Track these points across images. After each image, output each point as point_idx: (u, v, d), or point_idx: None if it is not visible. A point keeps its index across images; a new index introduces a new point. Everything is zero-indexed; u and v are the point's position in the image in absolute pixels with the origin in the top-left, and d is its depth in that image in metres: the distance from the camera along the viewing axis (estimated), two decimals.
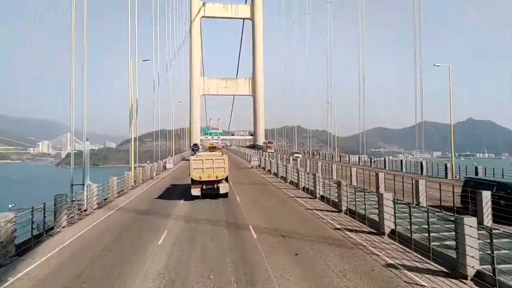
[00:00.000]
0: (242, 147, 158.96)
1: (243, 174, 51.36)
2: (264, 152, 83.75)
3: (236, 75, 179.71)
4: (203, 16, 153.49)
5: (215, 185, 28.14)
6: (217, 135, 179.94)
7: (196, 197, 28.08)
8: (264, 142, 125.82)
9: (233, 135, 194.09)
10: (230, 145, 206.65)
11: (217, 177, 28.06)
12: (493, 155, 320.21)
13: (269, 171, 52.48)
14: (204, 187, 28.08)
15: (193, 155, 39.08)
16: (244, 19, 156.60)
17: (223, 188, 28.32)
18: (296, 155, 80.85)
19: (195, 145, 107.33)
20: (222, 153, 31.62)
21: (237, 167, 60.96)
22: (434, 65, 46.50)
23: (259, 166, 62.18)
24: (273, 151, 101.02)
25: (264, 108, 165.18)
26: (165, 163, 60.36)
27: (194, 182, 28.16)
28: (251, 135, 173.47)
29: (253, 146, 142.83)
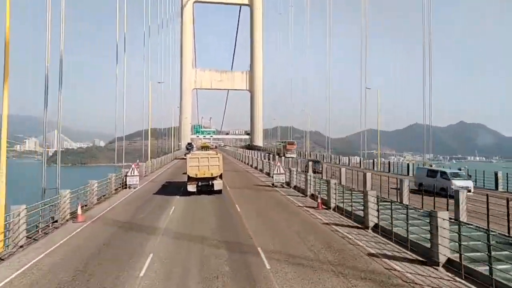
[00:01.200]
0: (238, 147, 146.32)
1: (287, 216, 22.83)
2: (278, 157, 62.32)
3: (231, 68, 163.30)
4: (195, 1, 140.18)
5: (210, 182, 29.93)
6: (209, 133, 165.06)
7: (192, 193, 29.70)
8: (280, 142, 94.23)
9: (227, 134, 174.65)
10: (224, 145, 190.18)
11: (212, 174, 29.76)
12: (484, 158, 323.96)
13: (314, 196, 28.32)
14: (199, 183, 29.82)
15: (187, 154, 40.50)
16: (241, 5, 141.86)
17: (217, 185, 30.08)
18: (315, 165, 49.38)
19: (190, 144, 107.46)
20: (217, 152, 32.88)
21: (250, 184, 38.11)
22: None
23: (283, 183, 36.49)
24: (294, 155, 78.63)
25: (263, 105, 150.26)
26: (126, 176, 35.23)
27: (190, 178, 29.74)
28: (248, 134, 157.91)
29: (250, 147, 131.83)
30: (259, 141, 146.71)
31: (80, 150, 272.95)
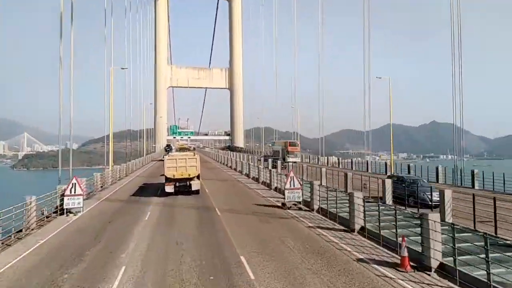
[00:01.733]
0: (218, 148, 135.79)
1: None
2: (281, 161, 56.09)
3: (209, 65, 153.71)
4: None
5: (188, 183, 29.91)
6: (187, 134, 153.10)
7: (170, 194, 29.51)
8: (275, 143, 77.53)
9: (206, 134, 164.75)
10: (203, 146, 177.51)
11: (189, 175, 29.85)
12: (456, 157, 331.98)
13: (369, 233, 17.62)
14: (177, 184, 29.79)
15: (166, 155, 39.53)
16: None
17: (195, 185, 30.05)
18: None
19: (168, 145, 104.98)
20: (194, 153, 32.75)
21: (249, 204, 26.82)
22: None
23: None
24: (298, 160, 63.16)
25: (243, 104, 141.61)
26: (63, 195, 23.51)
27: (168, 179, 29.68)
28: (228, 135, 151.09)
29: (231, 148, 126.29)
30: (240, 142, 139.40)
31: (51, 153, 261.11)
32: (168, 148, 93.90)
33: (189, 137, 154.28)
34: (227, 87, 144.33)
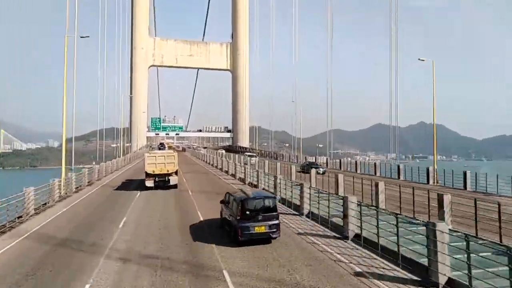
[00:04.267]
0: (216, 149, 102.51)
1: None
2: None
3: (203, 39, 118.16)
4: None
5: (166, 178, 32.37)
6: (174, 130, 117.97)
7: (150, 188, 31.64)
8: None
9: (200, 131, 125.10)
10: (196, 146, 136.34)
11: (168, 170, 32.35)
12: (445, 157, 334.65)
13: None
14: (157, 179, 32.16)
15: None
16: None
17: (173, 180, 32.64)
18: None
19: (162, 144, 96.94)
20: (173, 151, 37.73)
21: None
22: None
23: None
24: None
25: (249, 91, 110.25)
26: None
27: (148, 175, 32.10)
28: (229, 131, 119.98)
29: (231, 149, 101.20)
30: (244, 141, 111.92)
31: (29, 151, 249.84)
32: (161, 147, 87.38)
33: (177, 134, 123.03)
34: (228, 67, 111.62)
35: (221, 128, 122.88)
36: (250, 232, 15.18)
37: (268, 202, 15.76)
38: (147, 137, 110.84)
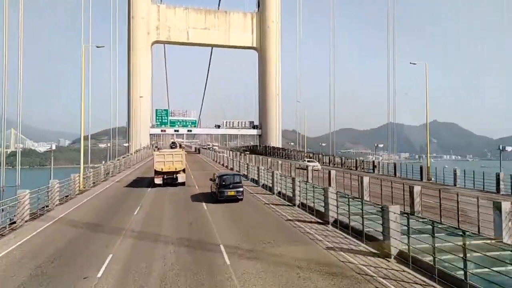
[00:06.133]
0: (232, 150, 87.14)
1: None
2: None
3: (218, 7, 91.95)
4: None
5: (174, 175, 33.79)
6: (186, 125, 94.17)
7: (159, 185, 33.27)
8: None
9: (218, 126, 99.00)
10: (212, 145, 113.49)
11: (176, 168, 33.72)
12: (459, 157, 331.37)
13: None
14: (165, 176, 33.62)
15: None
16: None
17: (181, 177, 33.99)
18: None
19: (173, 143, 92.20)
20: (181, 150, 37.97)
21: None
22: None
23: None
24: None
25: (281, 76, 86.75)
26: None
27: (157, 172, 33.60)
28: (255, 127, 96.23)
29: (255, 150, 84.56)
30: (277, 141, 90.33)
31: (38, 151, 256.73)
32: (173, 146, 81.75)
33: (189, 130, 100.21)
34: (254, 45, 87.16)
35: (245, 123, 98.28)
36: (225, 194, 25.16)
37: (236, 178, 26.34)
38: (150, 134, 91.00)
